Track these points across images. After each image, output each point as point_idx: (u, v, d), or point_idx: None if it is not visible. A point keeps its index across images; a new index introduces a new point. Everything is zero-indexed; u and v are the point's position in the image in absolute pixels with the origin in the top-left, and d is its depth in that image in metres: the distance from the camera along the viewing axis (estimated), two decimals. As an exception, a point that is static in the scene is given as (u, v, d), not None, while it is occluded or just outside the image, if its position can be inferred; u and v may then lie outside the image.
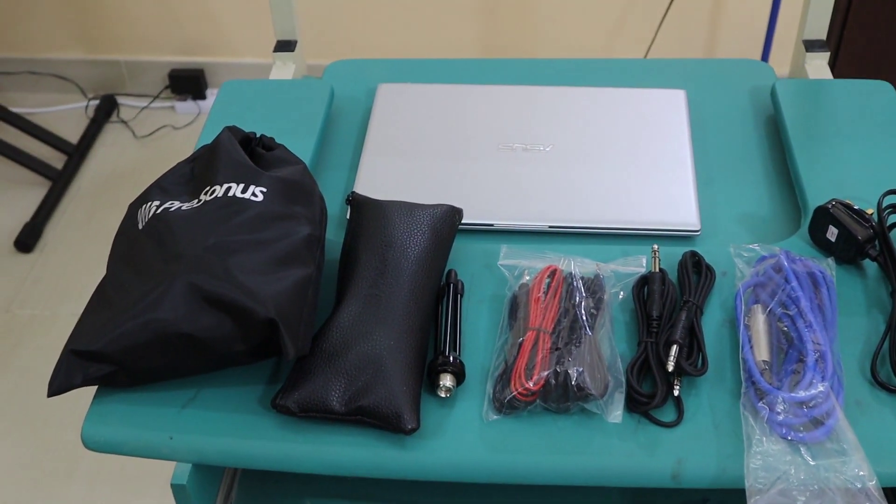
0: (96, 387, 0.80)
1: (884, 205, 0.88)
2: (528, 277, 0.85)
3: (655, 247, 0.88)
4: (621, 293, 0.86)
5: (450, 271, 0.87)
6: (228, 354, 0.77)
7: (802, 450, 0.73)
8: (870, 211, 0.88)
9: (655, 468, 0.75)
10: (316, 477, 0.88)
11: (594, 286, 0.84)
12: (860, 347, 0.82)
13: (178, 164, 0.90)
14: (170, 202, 0.84)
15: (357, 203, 0.88)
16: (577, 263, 0.86)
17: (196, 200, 0.84)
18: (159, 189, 0.86)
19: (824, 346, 0.78)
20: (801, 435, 0.74)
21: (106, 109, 2.54)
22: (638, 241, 0.93)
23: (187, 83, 2.54)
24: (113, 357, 0.75)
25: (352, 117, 1.12)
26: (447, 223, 0.87)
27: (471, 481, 0.76)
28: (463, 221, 0.89)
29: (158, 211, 0.83)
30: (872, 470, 0.72)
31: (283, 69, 1.23)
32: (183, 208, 0.82)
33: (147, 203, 0.84)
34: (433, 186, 0.99)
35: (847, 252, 0.88)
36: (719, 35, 2.37)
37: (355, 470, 0.76)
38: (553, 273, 0.85)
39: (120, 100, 2.58)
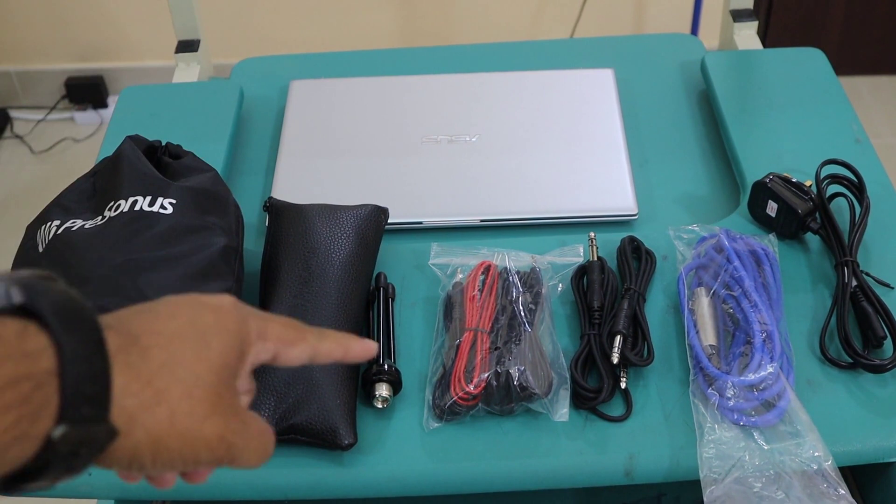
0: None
1: (822, 176, 0.90)
2: (461, 275, 0.86)
3: (592, 234, 0.89)
4: (560, 285, 0.86)
5: (379, 274, 0.87)
6: (146, 380, 0.76)
7: (756, 434, 0.75)
8: (808, 183, 0.90)
9: (607, 466, 0.76)
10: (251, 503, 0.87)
11: (531, 280, 0.85)
12: (808, 324, 0.84)
13: (79, 179, 0.89)
14: (71, 221, 0.82)
15: (275, 209, 0.88)
16: (512, 257, 0.87)
17: (100, 217, 0.82)
18: (59, 207, 0.85)
19: (771, 325, 0.79)
20: (753, 419, 0.75)
21: (-2, 125, 2.49)
22: (573, 229, 0.94)
23: (86, 91, 2.50)
24: (20, 392, 0.74)
25: (264, 118, 1.11)
26: (373, 224, 0.87)
27: (415, 495, 0.76)
28: (389, 221, 0.89)
29: (59, 231, 0.81)
30: (828, 450, 0.73)
31: (187, 71, 1.21)
32: (86, 226, 0.81)
33: (46, 223, 0.83)
34: (356, 186, 0.98)
35: (788, 227, 0.90)
36: (646, 10, 2.40)
37: (291, 492, 0.76)
38: (487, 269, 0.85)
39: (13, 113, 2.52)
